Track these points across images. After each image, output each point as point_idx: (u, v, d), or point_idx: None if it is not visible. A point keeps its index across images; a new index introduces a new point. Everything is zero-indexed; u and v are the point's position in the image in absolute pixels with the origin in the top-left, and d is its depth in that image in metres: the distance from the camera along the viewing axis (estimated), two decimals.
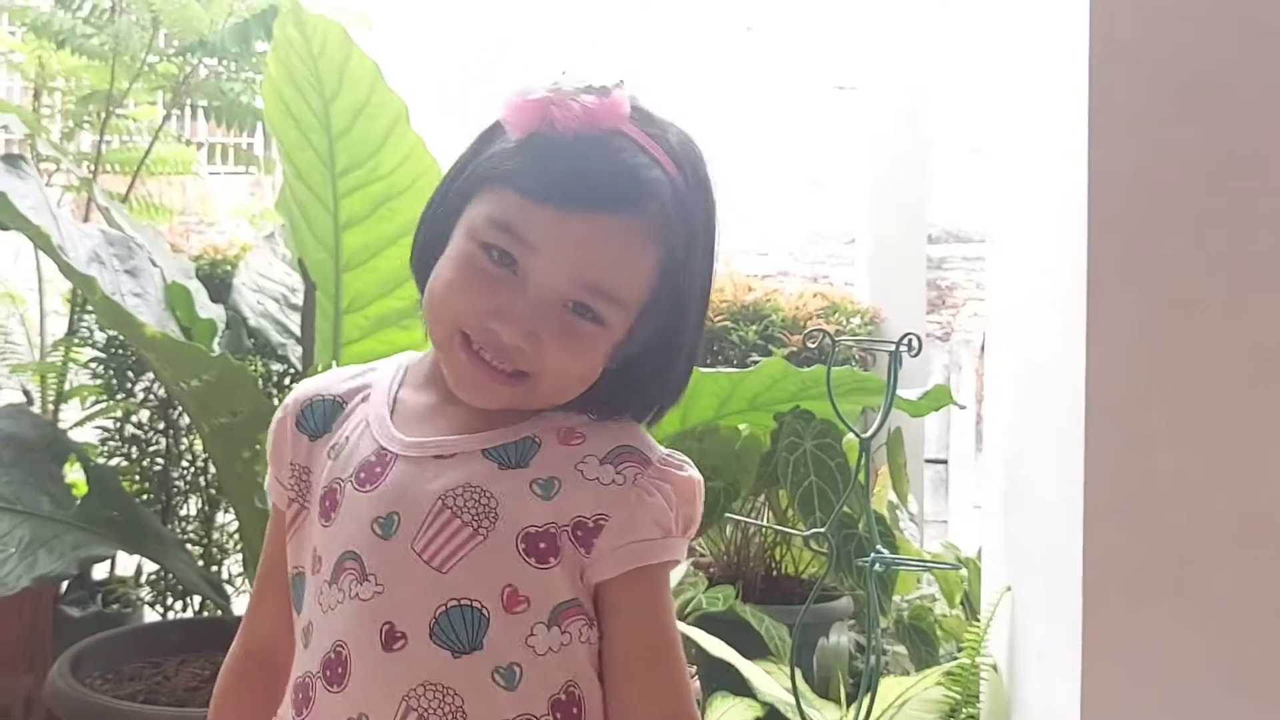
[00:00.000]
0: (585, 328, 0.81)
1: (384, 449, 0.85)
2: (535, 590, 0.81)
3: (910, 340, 1.44)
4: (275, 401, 2.04)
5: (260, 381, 2.63)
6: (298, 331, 2.30)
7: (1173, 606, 1.17)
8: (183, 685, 2.17)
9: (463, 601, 0.80)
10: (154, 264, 2.05)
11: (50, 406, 2.63)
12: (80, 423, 2.67)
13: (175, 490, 2.78)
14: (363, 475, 0.85)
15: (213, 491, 2.77)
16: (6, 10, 2.69)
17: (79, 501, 2.08)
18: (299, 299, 2.26)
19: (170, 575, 2.70)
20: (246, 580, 2.42)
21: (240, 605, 2.43)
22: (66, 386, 2.71)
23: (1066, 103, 1.26)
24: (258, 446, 1.74)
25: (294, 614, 0.88)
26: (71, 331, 2.60)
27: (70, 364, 2.70)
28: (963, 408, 4.52)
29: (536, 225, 0.79)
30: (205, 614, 2.59)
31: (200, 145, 2.93)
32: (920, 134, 3.37)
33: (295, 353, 2.32)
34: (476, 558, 0.80)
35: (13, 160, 1.79)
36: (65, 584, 2.71)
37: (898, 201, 3.32)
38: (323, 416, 0.90)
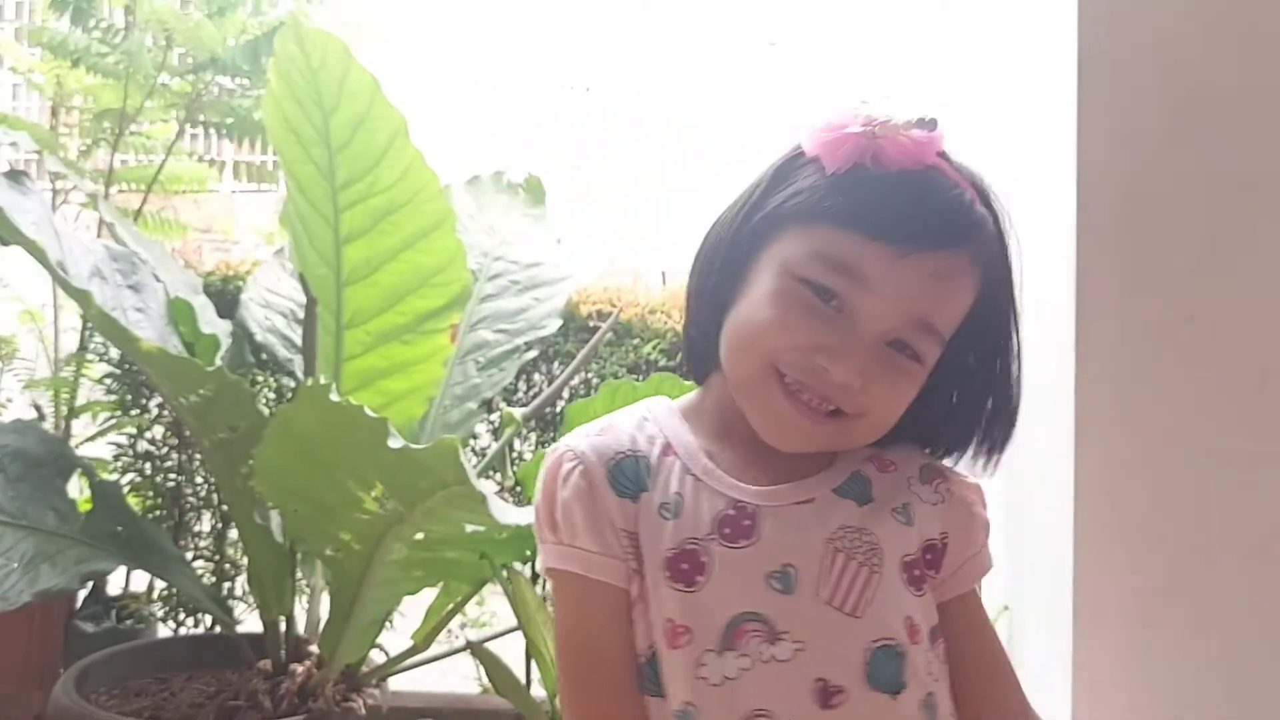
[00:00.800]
0: (907, 365, 0.80)
1: (740, 501, 0.82)
2: (922, 618, 0.82)
3: None
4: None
5: (272, 396, 2.65)
6: None
7: (1165, 628, 1.13)
8: (188, 701, 2.17)
9: (883, 642, 0.79)
10: (157, 279, 2.06)
11: (62, 422, 2.64)
12: (92, 438, 2.69)
13: (188, 506, 2.79)
14: (728, 531, 0.80)
15: (225, 508, 2.78)
16: (26, 30, 2.74)
17: (84, 517, 2.09)
18: None
19: (180, 592, 2.71)
20: (253, 596, 2.42)
21: (251, 622, 2.42)
22: (82, 402, 2.73)
23: (1055, 117, 1.23)
24: (252, 462, 1.74)
25: (638, 700, 0.81)
26: (83, 347, 2.62)
27: (84, 379, 2.73)
28: None
29: (870, 263, 0.77)
30: (216, 630, 2.60)
31: (213, 162, 2.93)
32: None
33: (301, 369, 2.33)
34: (879, 596, 0.80)
35: (15, 176, 1.80)
36: (80, 599, 2.73)
37: None
38: (634, 476, 0.83)
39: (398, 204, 1.96)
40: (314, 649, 2.18)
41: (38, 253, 1.65)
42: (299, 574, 2.21)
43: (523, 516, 1.45)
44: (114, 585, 2.79)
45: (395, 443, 1.38)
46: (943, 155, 0.81)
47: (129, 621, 2.72)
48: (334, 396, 1.45)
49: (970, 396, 0.85)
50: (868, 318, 0.78)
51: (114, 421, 2.69)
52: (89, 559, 2.01)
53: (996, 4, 1.57)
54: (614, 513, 0.82)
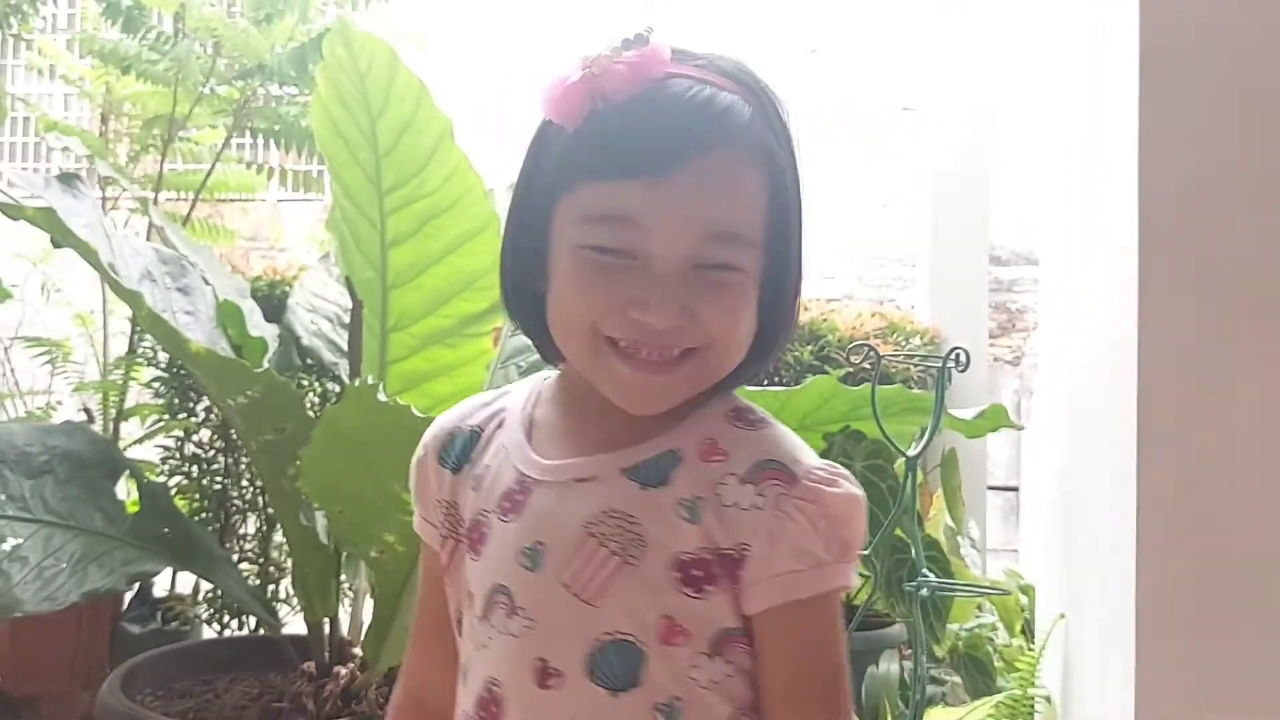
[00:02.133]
0: (725, 278, 0.75)
1: (524, 475, 0.81)
2: (694, 620, 0.76)
3: (958, 354, 1.38)
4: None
5: (317, 400, 2.66)
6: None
7: (1230, 635, 1.10)
8: (232, 704, 2.18)
9: (616, 636, 0.75)
10: (206, 282, 2.07)
11: (111, 425, 2.67)
12: (140, 440, 2.72)
13: (234, 509, 2.82)
14: (506, 505, 0.81)
15: (270, 510, 2.80)
16: (78, 39, 2.78)
17: (131, 518, 2.10)
18: None
19: (225, 594, 2.73)
20: (297, 598, 2.43)
21: (295, 624, 2.44)
22: (130, 405, 2.76)
23: (1117, 115, 1.20)
24: (299, 464, 1.74)
25: (438, 648, 0.88)
26: (132, 351, 2.65)
27: (132, 383, 2.76)
28: (1021, 429, 4.41)
29: (632, 202, 0.74)
30: (261, 632, 2.61)
31: (260, 169, 2.96)
32: (984, 154, 3.29)
33: (347, 372, 2.34)
34: (627, 588, 0.76)
35: (68, 179, 1.83)
36: (127, 601, 2.76)
37: (959, 222, 3.25)
38: (462, 448, 0.86)
39: (443, 207, 1.96)
40: (358, 651, 2.18)
41: (89, 254, 1.67)
42: (343, 577, 2.22)
43: None
44: (160, 587, 2.82)
45: None
46: (687, 60, 0.77)
47: (174, 623, 2.75)
48: (382, 396, 1.44)
49: (777, 287, 0.79)
50: (658, 255, 0.74)
51: (161, 424, 2.72)
52: (136, 560, 2.02)
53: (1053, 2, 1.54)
54: (433, 482, 0.87)
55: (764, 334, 0.79)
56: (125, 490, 2.32)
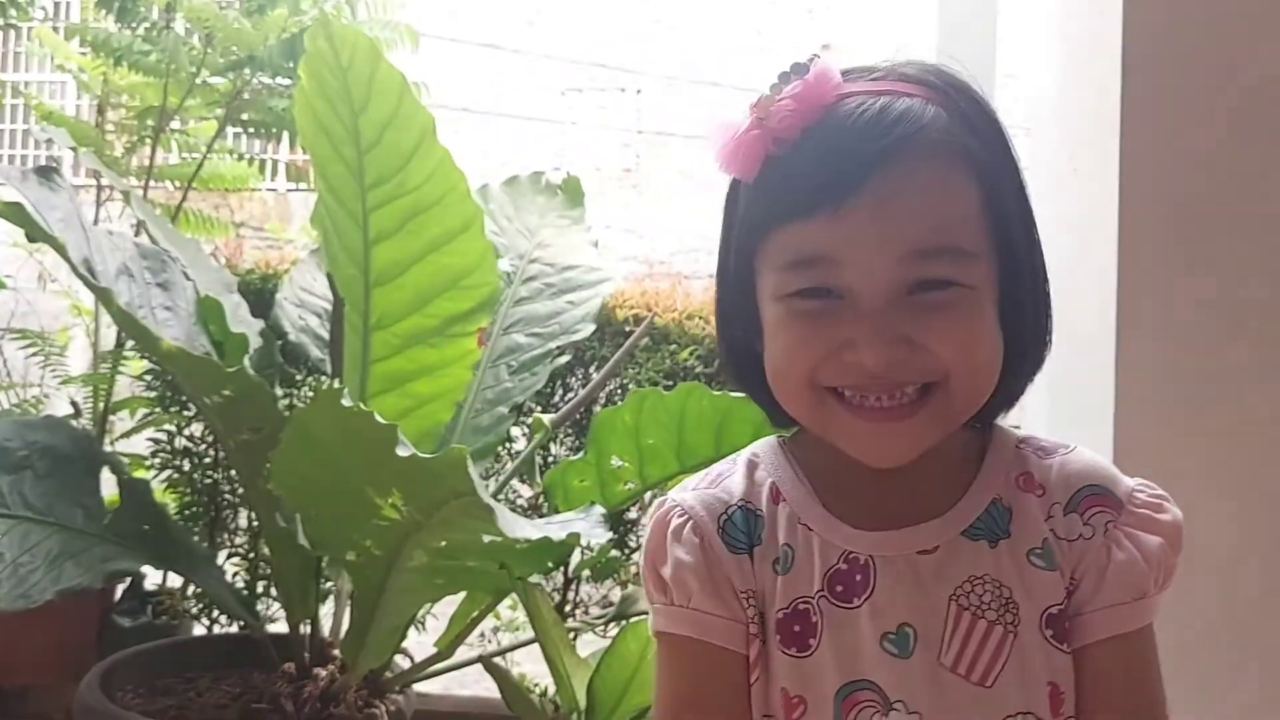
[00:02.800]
0: (948, 298, 0.68)
1: (851, 553, 0.72)
2: (1066, 678, 0.71)
3: None
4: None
5: (310, 394, 2.63)
6: None
7: (1207, 653, 1.05)
8: (213, 703, 2.16)
9: (1020, 716, 0.69)
10: (187, 277, 2.04)
11: (99, 419, 2.66)
12: (129, 434, 2.70)
13: (225, 503, 2.80)
14: (840, 588, 0.71)
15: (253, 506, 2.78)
16: (75, 30, 2.75)
17: (111, 515, 2.08)
18: None
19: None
20: (279, 599, 2.41)
21: (283, 623, 2.41)
22: (122, 398, 2.74)
23: (1099, 123, 1.16)
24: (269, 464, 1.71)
25: None
26: (120, 344, 2.63)
27: (125, 375, 2.74)
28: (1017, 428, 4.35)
29: (824, 239, 0.68)
30: (247, 630, 2.59)
31: (252, 161, 2.93)
32: None
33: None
34: (1018, 659, 0.69)
35: (45, 172, 1.80)
36: (119, 593, 2.75)
37: None
38: (746, 528, 0.75)
39: (426, 204, 1.93)
40: (338, 653, 2.15)
41: (60, 249, 1.64)
42: (325, 577, 2.19)
43: (534, 530, 1.40)
44: (151, 581, 2.80)
45: (404, 451, 1.34)
46: (862, 76, 0.71)
47: (164, 617, 2.73)
48: (346, 402, 1.41)
49: (1014, 297, 0.71)
50: (861, 289, 0.67)
51: (152, 418, 2.70)
52: (114, 558, 2.00)
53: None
54: (730, 570, 0.74)
55: (1011, 353, 0.72)
56: (112, 486, 2.31)
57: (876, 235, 0.67)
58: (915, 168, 0.67)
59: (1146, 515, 0.71)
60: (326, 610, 2.24)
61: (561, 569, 2.51)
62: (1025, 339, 0.73)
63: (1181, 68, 1.10)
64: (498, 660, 2.58)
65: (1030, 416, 1.51)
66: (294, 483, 1.70)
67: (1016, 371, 0.73)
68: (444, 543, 1.70)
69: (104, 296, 1.65)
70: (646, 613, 0.79)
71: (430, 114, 1.88)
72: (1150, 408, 1.08)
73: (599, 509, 1.61)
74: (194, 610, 2.75)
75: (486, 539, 1.60)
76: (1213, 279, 1.09)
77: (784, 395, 0.72)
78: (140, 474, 2.48)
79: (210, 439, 2.77)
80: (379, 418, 1.37)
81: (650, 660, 1.67)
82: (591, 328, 2.31)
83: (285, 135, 2.76)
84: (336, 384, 1.92)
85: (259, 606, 2.66)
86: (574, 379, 2.71)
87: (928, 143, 0.68)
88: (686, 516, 0.75)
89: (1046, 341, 0.75)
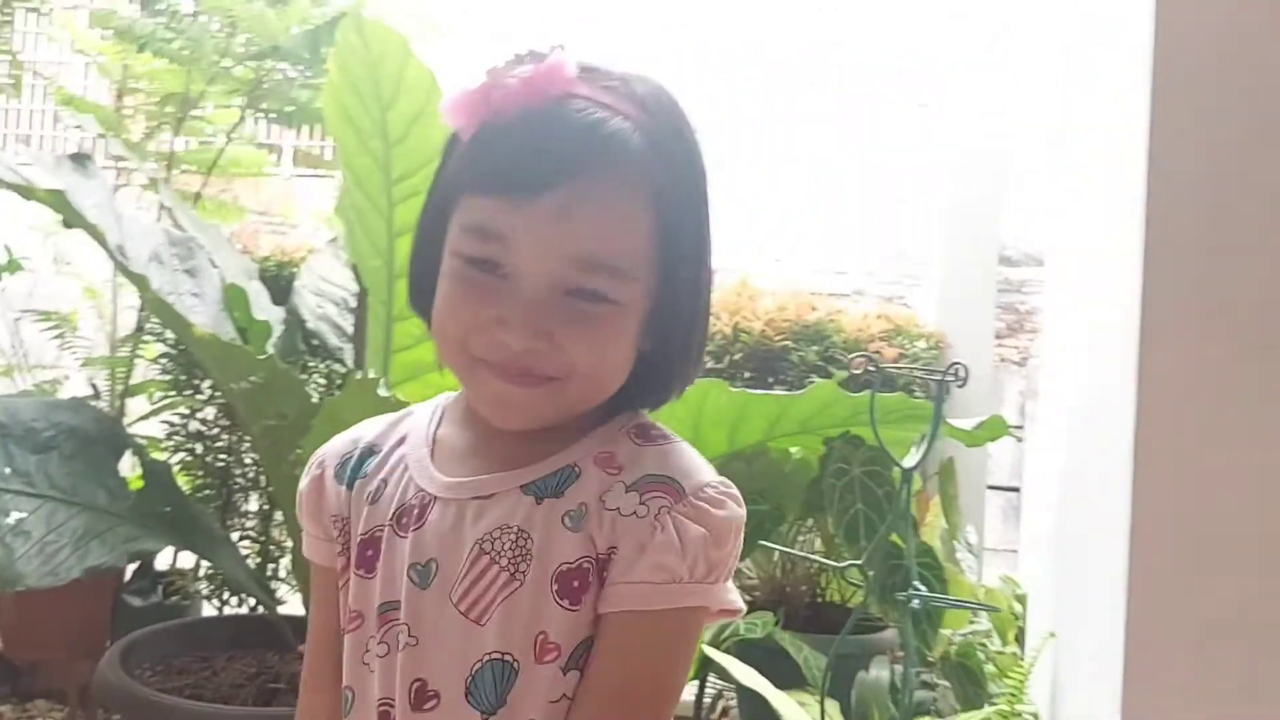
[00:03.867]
0: (597, 311, 0.74)
1: (424, 491, 0.80)
2: (565, 634, 0.75)
3: (957, 369, 1.38)
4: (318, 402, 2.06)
5: (323, 382, 2.67)
6: None
7: (1223, 660, 1.10)
8: (229, 681, 2.19)
9: (490, 657, 0.75)
10: (214, 265, 2.08)
11: (118, 400, 2.69)
12: (146, 416, 2.74)
13: (236, 487, 2.83)
14: (403, 520, 0.80)
15: (272, 490, 2.82)
16: (101, 18, 2.78)
17: (134, 495, 2.12)
18: None
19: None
20: (296, 581, 2.45)
21: (292, 604, 2.46)
22: (137, 381, 2.78)
23: (1127, 124, 1.19)
24: (299, 450, 1.75)
25: (329, 675, 0.84)
26: (140, 328, 2.66)
27: (139, 360, 2.77)
28: (1019, 439, 4.40)
29: (503, 219, 0.73)
30: (260, 610, 2.63)
31: (272, 148, 2.97)
32: (997, 154, 3.28)
33: (351, 357, 2.35)
34: (512, 605, 0.75)
35: (80, 159, 1.83)
36: (130, 573, 2.78)
37: (971, 222, 3.23)
38: (358, 463, 0.85)
39: None
40: None
41: (98, 236, 1.68)
42: None
43: None
44: (162, 562, 2.84)
45: None
46: (594, 80, 0.75)
47: (175, 598, 2.77)
48: (382, 391, 1.45)
49: (664, 321, 0.77)
50: (525, 275, 0.73)
51: (167, 401, 2.73)
52: (137, 538, 2.04)
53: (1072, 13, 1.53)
54: (331, 499, 0.85)
55: (652, 365, 0.79)
56: (130, 467, 2.34)
57: (551, 236, 0.72)
58: (604, 188, 0.73)
59: (703, 509, 0.75)
60: None
61: None
62: (667, 355, 0.79)
63: (1211, 75, 1.14)
64: None
65: (1046, 407, 1.55)
66: None
67: (658, 381, 0.80)
68: None
69: (139, 283, 1.68)
70: None
71: None
72: (1171, 419, 1.12)
73: None
74: (204, 591, 2.79)
75: None
76: (1238, 294, 1.14)
77: (439, 347, 0.79)
78: (156, 456, 2.52)
79: (224, 423, 2.81)
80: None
81: None
82: None
83: (296, 124, 2.80)
84: (361, 374, 1.95)
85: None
86: None
87: (623, 170, 0.73)
88: (320, 456, 0.88)
89: (695, 358, 0.81)
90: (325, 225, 3.91)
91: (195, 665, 2.28)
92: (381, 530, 0.81)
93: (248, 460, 2.82)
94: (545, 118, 0.73)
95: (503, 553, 0.75)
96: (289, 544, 2.80)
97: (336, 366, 2.62)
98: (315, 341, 2.41)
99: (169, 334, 2.76)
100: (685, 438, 0.89)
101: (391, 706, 0.77)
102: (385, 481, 0.83)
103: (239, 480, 2.84)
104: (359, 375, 1.70)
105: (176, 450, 2.77)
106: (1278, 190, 1.14)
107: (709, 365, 2.64)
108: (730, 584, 0.78)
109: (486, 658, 0.75)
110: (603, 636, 0.75)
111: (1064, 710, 1.37)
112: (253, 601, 2.75)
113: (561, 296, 0.74)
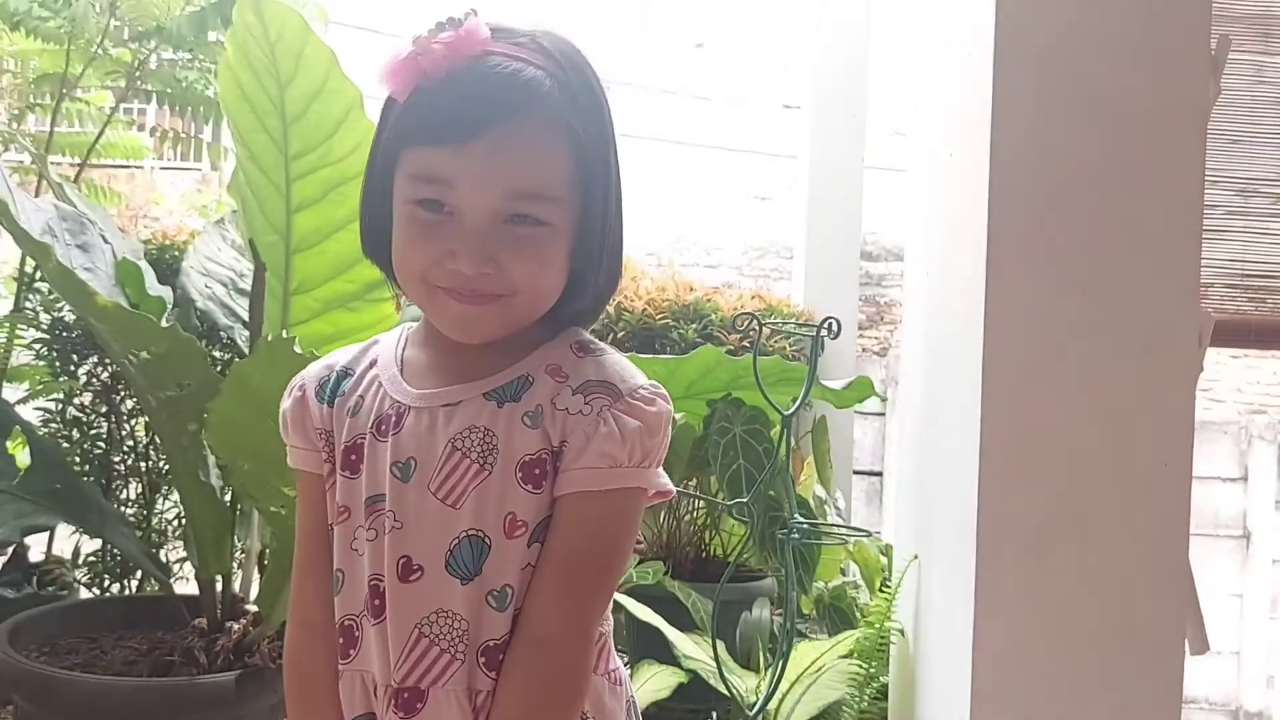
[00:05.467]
0: (531, 233, 0.87)
1: (398, 402, 0.93)
2: (530, 512, 0.89)
3: (831, 323, 1.53)
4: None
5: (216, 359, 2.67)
6: (245, 315, 2.35)
7: (1059, 562, 1.28)
8: (121, 659, 2.19)
9: (466, 534, 0.88)
10: (105, 240, 2.09)
11: None
12: (22, 401, 2.69)
13: (115, 474, 2.80)
14: (382, 427, 0.92)
15: (153, 477, 2.80)
16: None
17: (22, 474, 2.10)
18: (247, 284, 2.31)
19: (109, 555, 2.72)
20: (191, 560, 2.45)
21: (179, 587, 2.45)
22: (14, 365, 2.72)
23: (973, 115, 1.36)
24: (199, 423, 1.78)
25: (324, 571, 0.95)
26: (18, 309, 2.62)
27: (14, 345, 2.72)
28: (883, 399, 4.65)
29: (444, 164, 0.86)
30: (153, 589, 2.61)
31: (151, 131, 2.94)
32: (857, 153, 3.49)
33: (242, 336, 2.37)
34: (483, 491, 0.88)
35: None
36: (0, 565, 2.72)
37: (833, 218, 3.44)
38: (336, 384, 0.97)
39: (350, 175, 2.02)
40: (250, 607, 2.22)
41: (0, 205, 1.68)
42: (236, 536, 2.26)
43: None
44: (36, 552, 2.78)
45: None
46: (506, 39, 0.89)
47: (51, 588, 2.72)
48: (297, 349, 1.51)
49: (586, 239, 0.91)
50: (468, 210, 0.87)
51: (44, 385, 2.69)
52: (29, 514, 2.03)
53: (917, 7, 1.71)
54: (314, 415, 0.97)
55: (577, 280, 0.92)
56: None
57: (486, 172, 0.86)
58: (526, 127, 0.87)
59: (638, 406, 0.89)
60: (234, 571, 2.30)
61: None
62: (590, 269, 0.92)
63: (1050, 68, 1.32)
64: None
65: (908, 375, 1.72)
66: (229, 433, 1.78)
67: (582, 295, 0.93)
68: None
69: (42, 252, 1.70)
70: None
71: (358, 88, 1.97)
72: (1012, 375, 1.30)
73: None
74: (83, 579, 2.75)
75: None
76: (1073, 262, 1.32)
77: (403, 285, 0.92)
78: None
79: (101, 410, 2.78)
80: None
81: None
82: None
83: (179, 109, 2.80)
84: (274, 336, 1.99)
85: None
86: None
87: (539, 111, 0.87)
88: (296, 383, 1.00)
89: (613, 278, 0.95)
90: (198, 213, 3.88)
91: (83, 646, 2.26)
92: (363, 438, 0.93)
93: (126, 448, 2.80)
94: (470, 74, 0.86)
95: (473, 448, 0.89)
96: (170, 531, 2.80)
97: (220, 352, 2.63)
98: (204, 322, 2.42)
99: (43, 319, 2.72)
100: None
101: (381, 581, 0.90)
102: (363, 397, 0.95)
103: (118, 468, 2.81)
104: (273, 338, 1.74)
105: (53, 437, 2.72)
106: (1097, 165, 1.33)
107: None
108: (661, 470, 0.93)
109: (463, 534, 0.88)
110: (558, 515, 0.90)
111: (926, 625, 1.53)
112: (134, 588, 2.73)
113: (501, 225, 0.87)
